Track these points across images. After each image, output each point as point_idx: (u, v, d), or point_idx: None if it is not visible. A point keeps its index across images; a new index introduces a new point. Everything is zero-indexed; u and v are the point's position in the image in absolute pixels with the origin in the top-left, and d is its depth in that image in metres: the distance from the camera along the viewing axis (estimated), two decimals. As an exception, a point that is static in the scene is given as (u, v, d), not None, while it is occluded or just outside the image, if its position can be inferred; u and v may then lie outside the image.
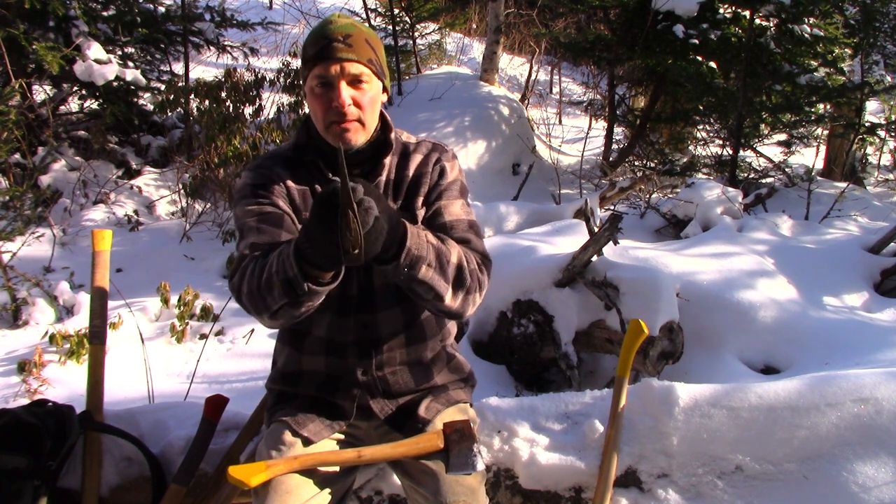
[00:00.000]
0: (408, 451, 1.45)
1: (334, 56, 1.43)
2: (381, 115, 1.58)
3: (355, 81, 1.46)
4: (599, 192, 5.42)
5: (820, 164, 7.68)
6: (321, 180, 1.56)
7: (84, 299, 3.79)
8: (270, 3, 10.79)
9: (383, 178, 1.57)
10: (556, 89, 10.65)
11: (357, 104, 1.46)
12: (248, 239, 1.48)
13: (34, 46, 5.07)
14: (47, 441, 1.75)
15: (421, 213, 1.58)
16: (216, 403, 1.85)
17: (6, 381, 3.21)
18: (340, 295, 1.53)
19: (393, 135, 1.58)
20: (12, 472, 1.68)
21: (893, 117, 7.70)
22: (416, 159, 1.60)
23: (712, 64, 6.49)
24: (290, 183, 1.55)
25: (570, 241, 3.61)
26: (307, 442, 1.52)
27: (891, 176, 8.02)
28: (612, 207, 5.77)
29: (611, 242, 3.55)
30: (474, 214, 1.64)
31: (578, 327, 3.12)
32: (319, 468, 1.48)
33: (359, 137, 1.49)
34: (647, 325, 1.82)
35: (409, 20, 7.98)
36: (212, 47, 6.60)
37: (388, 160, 1.58)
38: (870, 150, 8.07)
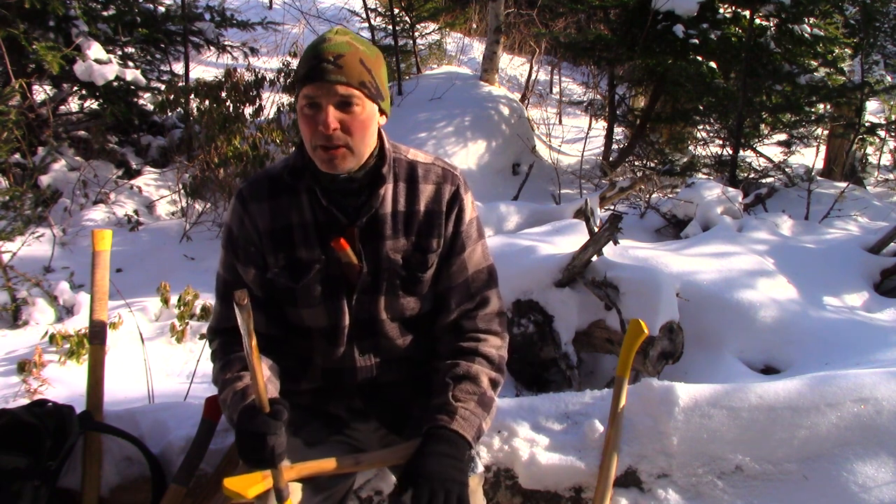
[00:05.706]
0: (406, 455, 1.43)
1: (322, 77, 1.35)
2: (381, 140, 1.48)
3: (344, 104, 1.36)
4: (599, 192, 5.41)
5: (820, 164, 7.68)
6: (316, 205, 1.49)
7: (84, 299, 3.78)
8: (270, 2, 10.78)
9: (388, 209, 1.49)
10: (556, 89, 10.65)
11: (345, 129, 1.37)
12: (215, 306, 1.60)
13: (34, 46, 5.07)
14: (47, 441, 1.75)
15: (434, 256, 1.52)
16: (216, 403, 1.85)
17: (6, 381, 3.20)
18: (334, 327, 1.53)
19: (386, 168, 1.47)
20: (12, 472, 1.68)
21: (893, 117, 7.70)
22: (426, 191, 1.52)
23: (712, 64, 6.49)
24: (262, 227, 1.50)
25: (570, 241, 3.61)
26: (305, 445, 1.51)
27: (891, 176, 8.02)
28: (612, 207, 5.76)
29: (611, 242, 3.55)
30: (489, 249, 1.61)
31: (578, 327, 3.12)
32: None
33: (346, 164, 1.40)
34: (647, 325, 1.81)
35: (409, 20, 7.98)
36: (212, 47, 6.61)
37: (386, 191, 1.48)
38: (870, 150, 8.06)
